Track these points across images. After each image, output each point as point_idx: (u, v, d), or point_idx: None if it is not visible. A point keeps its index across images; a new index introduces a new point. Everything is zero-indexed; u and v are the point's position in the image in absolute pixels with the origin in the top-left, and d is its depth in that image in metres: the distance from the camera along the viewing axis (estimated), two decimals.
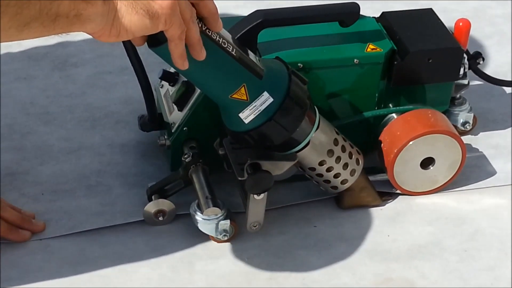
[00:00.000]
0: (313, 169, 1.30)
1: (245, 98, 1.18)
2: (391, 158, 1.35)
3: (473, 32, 1.54)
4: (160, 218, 1.33)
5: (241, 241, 1.32)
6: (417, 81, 1.40)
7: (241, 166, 1.22)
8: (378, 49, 1.35)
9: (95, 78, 1.66)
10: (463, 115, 1.49)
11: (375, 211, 1.38)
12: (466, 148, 1.39)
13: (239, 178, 1.22)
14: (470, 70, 1.46)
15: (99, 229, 1.33)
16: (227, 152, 1.26)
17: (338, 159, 1.30)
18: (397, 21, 1.41)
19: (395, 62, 1.36)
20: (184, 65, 1.10)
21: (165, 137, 1.38)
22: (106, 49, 1.71)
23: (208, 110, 1.32)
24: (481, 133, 1.53)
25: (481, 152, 1.49)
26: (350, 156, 1.32)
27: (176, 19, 1.05)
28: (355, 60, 1.34)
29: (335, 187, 1.34)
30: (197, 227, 1.29)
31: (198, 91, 1.32)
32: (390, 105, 1.41)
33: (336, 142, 1.29)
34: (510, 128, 1.55)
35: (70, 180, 1.42)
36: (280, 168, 1.24)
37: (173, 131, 1.36)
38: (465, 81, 1.46)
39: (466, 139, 1.49)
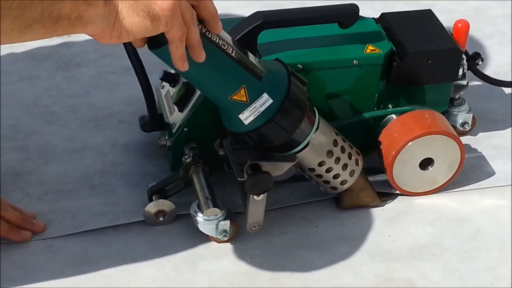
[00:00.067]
0: (313, 169, 1.30)
1: (245, 100, 1.19)
2: (390, 161, 1.35)
3: (473, 32, 1.54)
4: (161, 219, 1.34)
5: (243, 241, 1.32)
6: (416, 82, 1.40)
7: (241, 166, 1.22)
8: (377, 50, 1.35)
9: (99, 78, 1.66)
10: (462, 116, 1.49)
11: (376, 212, 1.38)
12: (466, 149, 1.39)
13: (239, 179, 1.23)
14: (469, 71, 1.46)
15: (102, 229, 1.34)
16: (227, 153, 1.26)
17: (338, 160, 1.30)
18: (396, 22, 1.41)
19: (394, 63, 1.36)
20: (184, 66, 1.10)
21: (166, 137, 1.38)
22: (110, 50, 1.71)
23: (209, 111, 1.32)
24: (481, 134, 1.53)
25: (481, 152, 1.49)
26: (350, 157, 1.32)
27: (176, 20, 1.05)
28: (355, 61, 1.34)
29: (335, 188, 1.34)
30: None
31: (198, 92, 1.32)
32: (390, 106, 1.41)
33: (335, 143, 1.29)
34: (510, 129, 1.54)
35: (74, 180, 1.42)
36: (279, 169, 1.25)
37: (173, 131, 1.36)
38: (464, 82, 1.45)
39: (466, 139, 1.50)
